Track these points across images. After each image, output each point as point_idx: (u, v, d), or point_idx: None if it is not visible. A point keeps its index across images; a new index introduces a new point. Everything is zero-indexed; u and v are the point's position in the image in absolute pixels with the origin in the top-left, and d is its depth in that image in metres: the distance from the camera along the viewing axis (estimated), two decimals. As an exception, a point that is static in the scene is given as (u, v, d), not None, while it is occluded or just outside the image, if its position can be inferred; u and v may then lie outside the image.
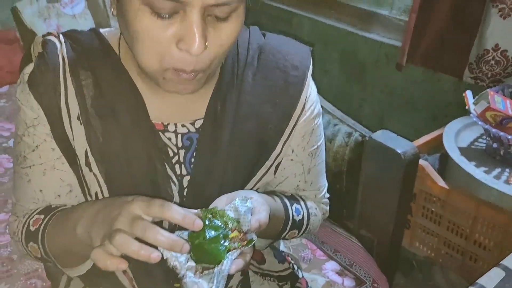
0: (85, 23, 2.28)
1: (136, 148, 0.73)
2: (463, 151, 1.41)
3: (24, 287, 1.21)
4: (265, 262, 0.94)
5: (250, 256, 0.63)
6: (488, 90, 1.35)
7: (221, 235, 0.60)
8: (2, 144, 1.83)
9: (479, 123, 1.31)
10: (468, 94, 1.37)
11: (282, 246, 1.06)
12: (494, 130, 1.27)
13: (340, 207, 1.37)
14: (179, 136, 0.76)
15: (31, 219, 0.76)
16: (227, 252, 0.59)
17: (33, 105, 0.72)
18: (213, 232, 0.60)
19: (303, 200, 0.89)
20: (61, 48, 0.73)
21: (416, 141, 1.50)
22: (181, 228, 0.60)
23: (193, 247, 0.59)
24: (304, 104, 0.81)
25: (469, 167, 1.33)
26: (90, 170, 0.73)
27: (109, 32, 0.78)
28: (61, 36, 0.74)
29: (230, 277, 0.84)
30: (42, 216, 0.75)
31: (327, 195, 0.96)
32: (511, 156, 1.33)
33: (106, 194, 0.74)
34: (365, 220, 1.32)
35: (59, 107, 0.71)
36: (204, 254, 0.59)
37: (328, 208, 0.97)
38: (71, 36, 0.75)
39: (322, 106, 1.32)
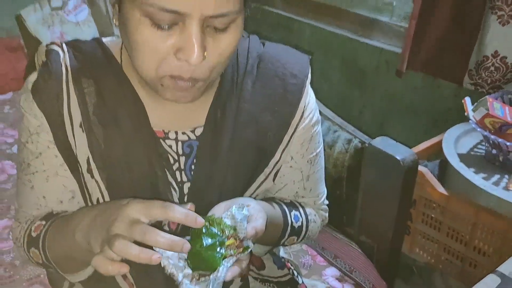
0: (89, 30, 2.30)
1: (137, 155, 0.74)
2: (463, 157, 1.41)
3: (27, 293, 1.22)
4: (264, 268, 0.94)
5: (246, 263, 0.63)
6: (487, 96, 1.35)
7: (217, 243, 0.61)
8: (5, 151, 1.84)
9: (478, 129, 1.31)
10: (467, 100, 1.38)
11: (282, 252, 1.07)
12: (493, 136, 1.28)
13: (340, 213, 1.38)
14: (180, 144, 0.77)
15: (33, 225, 0.77)
16: (223, 259, 0.60)
17: (36, 113, 0.73)
18: (209, 240, 0.61)
19: (302, 207, 0.90)
20: (64, 57, 0.74)
21: (416, 147, 1.50)
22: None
23: (190, 255, 0.60)
24: (303, 112, 0.82)
25: (468, 173, 1.34)
26: (92, 176, 0.74)
27: (111, 41, 0.79)
28: (64, 45, 0.76)
29: (229, 283, 0.85)
30: (44, 222, 0.76)
31: (326, 202, 0.97)
32: (510, 162, 1.34)
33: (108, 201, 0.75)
34: (365, 226, 1.32)
35: (61, 115, 0.73)
36: (201, 261, 0.60)
37: (327, 214, 0.97)
38: (74, 45, 0.77)
39: (322, 113, 1.34)
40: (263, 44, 0.84)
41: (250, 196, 0.82)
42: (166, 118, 0.77)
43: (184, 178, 0.78)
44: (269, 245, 0.89)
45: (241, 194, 0.80)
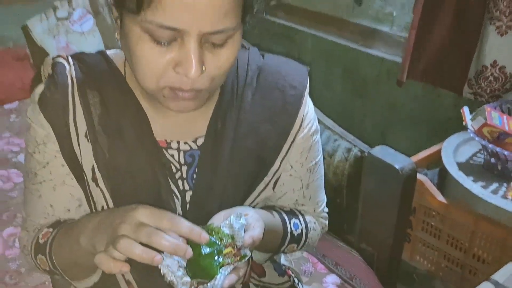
0: (94, 40, 2.33)
1: (140, 164, 0.76)
2: (462, 166, 1.43)
3: (32, 300, 1.24)
4: (265, 275, 0.95)
5: (243, 271, 0.65)
6: (485, 106, 1.37)
7: (215, 251, 0.63)
8: (11, 159, 1.85)
9: (476, 139, 1.33)
10: (465, 110, 1.39)
11: (283, 259, 1.08)
12: (490, 145, 1.30)
13: (341, 221, 1.39)
14: (182, 153, 0.79)
15: (40, 232, 0.79)
16: (221, 267, 0.62)
17: (43, 123, 0.75)
18: (208, 249, 0.63)
19: (302, 215, 0.91)
20: (70, 69, 0.76)
21: (415, 156, 1.52)
22: None
23: (188, 263, 0.62)
24: (302, 122, 0.84)
25: (467, 182, 1.35)
26: (97, 185, 0.76)
27: (115, 54, 0.81)
28: (69, 58, 0.78)
29: (231, 289, 0.86)
30: (51, 230, 0.78)
31: (326, 210, 0.97)
32: (509, 171, 1.35)
33: (112, 209, 0.77)
34: (365, 233, 1.34)
35: (67, 125, 0.74)
36: (199, 269, 0.62)
37: (327, 222, 0.98)
38: (79, 58, 0.79)
39: (322, 122, 1.36)
40: (263, 56, 0.86)
41: (250, 204, 0.83)
42: (168, 129, 0.79)
43: (186, 187, 0.80)
44: (269, 252, 0.90)
45: (242, 203, 0.81)
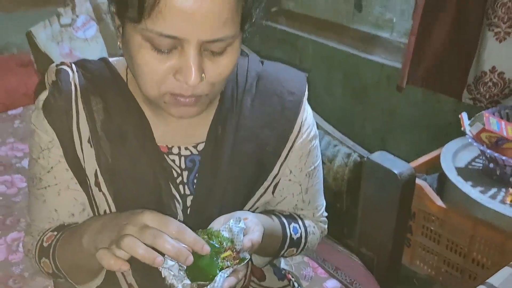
0: (97, 47, 2.35)
1: (142, 169, 0.77)
2: (461, 171, 1.44)
3: (35, 303, 1.25)
4: (265, 279, 0.96)
5: (243, 273, 0.66)
6: (483, 112, 1.38)
7: (215, 254, 0.65)
8: (15, 164, 1.86)
9: (475, 144, 1.34)
10: (464, 116, 1.40)
11: (284, 263, 1.08)
12: (488, 151, 1.31)
13: (341, 225, 1.40)
14: (183, 158, 0.80)
15: (45, 236, 0.80)
16: (221, 270, 0.63)
17: (47, 129, 0.77)
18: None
19: (301, 219, 0.91)
20: (73, 76, 0.77)
21: (415, 161, 1.53)
22: None
23: (189, 266, 0.63)
24: (300, 127, 0.85)
25: (465, 187, 1.36)
26: (100, 189, 0.77)
27: (118, 61, 0.82)
28: (73, 65, 0.79)
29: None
30: (55, 233, 0.79)
31: (325, 214, 0.98)
32: (507, 176, 1.36)
33: (114, 212, 0.79)
34: (365, 238, 1.34)
35: (71, 130, 0.76)
36: (199, 272, 0.63)
37: (326, 226, 0.99)
38: (82, 65, 0.80)
39: (322, 128, 1.37)
40: (262, 63, 0.87)
41: (250, 209, 0.84)
42: (169, 134, 0.80)
43: (187, 191, 0.81)
44: (269, 256, 0.91)
45: (242, 207, 0.83)
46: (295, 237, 0.88)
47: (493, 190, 1.38)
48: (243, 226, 0.68)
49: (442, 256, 1.47)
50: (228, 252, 0.66)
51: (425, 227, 1.47)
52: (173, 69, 0.65)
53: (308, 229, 0.92)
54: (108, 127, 0.77)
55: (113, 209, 0.78)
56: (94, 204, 0.79)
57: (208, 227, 0.70)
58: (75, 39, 2.34)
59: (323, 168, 0.95)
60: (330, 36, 2.31)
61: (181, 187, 0.81)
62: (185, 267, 0.63)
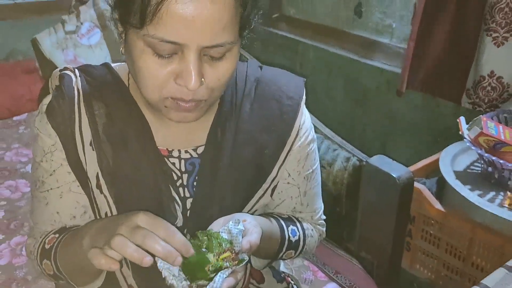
0: (101, 53, 2.38)
1: (143, 172, 0.79)
2: (459, 175, 1.45)
3: (37, 306, 1.26)
4: (264, 282, 0.97)
5: (241, 274, 0.68)
6: (481, 116, 1.39)
7: (214, 255, 0.66)
8: (20, 169, 1.89)
9: (473, 148, 1.35)
10: (462, 120, 1.41)
11: (283, 266, 1.09)
12: (486, 154, 1.32)
13: (341, 229, 1.41)
14: (183, 161, 0.82)
15: (47, 238, 0.82)
16: (220, 271, 0.65)
17: (50, 133, 0.78)
18: (207, 253, 0.66)
19: (300, 222, 0.92)
20: (76, 81, 0.79)
21: (414, 165, 1.54)
22: None
23: (189, 267, 0.65)
24: (298, 131, 0.86)
25: (464, 190, 1.37)
26: (101, 192, 0.79)
27: (120, 66, 0.84)
28: (76, 70, 0.81)
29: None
30: (57, 235, 0.80)
31: (323, 217, 0.99)
32: (505, 180, 1.37)
33: (115, 214, 0.80)
34: (364, 242, 1.35)
35: (73, 134, 0.77)
36: (198, 273, 0.65)
37: (324, 229, 1.00)
38: (85, 70, 0.82)
39: (322, 132, 1.38)
40: (261, 68, 0.89)
41: (249, 211, 0.85)
42: (170, 138, 0.82)
43: (187, 194, 0.82)
44: (268, 258, 0.92)
45: (240, 209, 0.84)
46: (293, 239, 0.89)
47: (492, 193, 1.38)
48: (242, 228, 0.69)
49: (441, 260, 1.47)
50: (227, 253, 0.67)
51: (425, 231, 1.48)
52: (174, 73, 0.67)
53: (306, 232, 0.93)
54: (110, 131, 0.78)
55: (114, 211, 0.79)
56: (95, 206, 0.81)
57: (208, 229, 0.72)
58: (80, 46, 2.36)
59: (322, 172, 0.97)
60: (330, 42, 2.33)
61: (181, 189, 0.82)
62: (184, 263, 0.65)
